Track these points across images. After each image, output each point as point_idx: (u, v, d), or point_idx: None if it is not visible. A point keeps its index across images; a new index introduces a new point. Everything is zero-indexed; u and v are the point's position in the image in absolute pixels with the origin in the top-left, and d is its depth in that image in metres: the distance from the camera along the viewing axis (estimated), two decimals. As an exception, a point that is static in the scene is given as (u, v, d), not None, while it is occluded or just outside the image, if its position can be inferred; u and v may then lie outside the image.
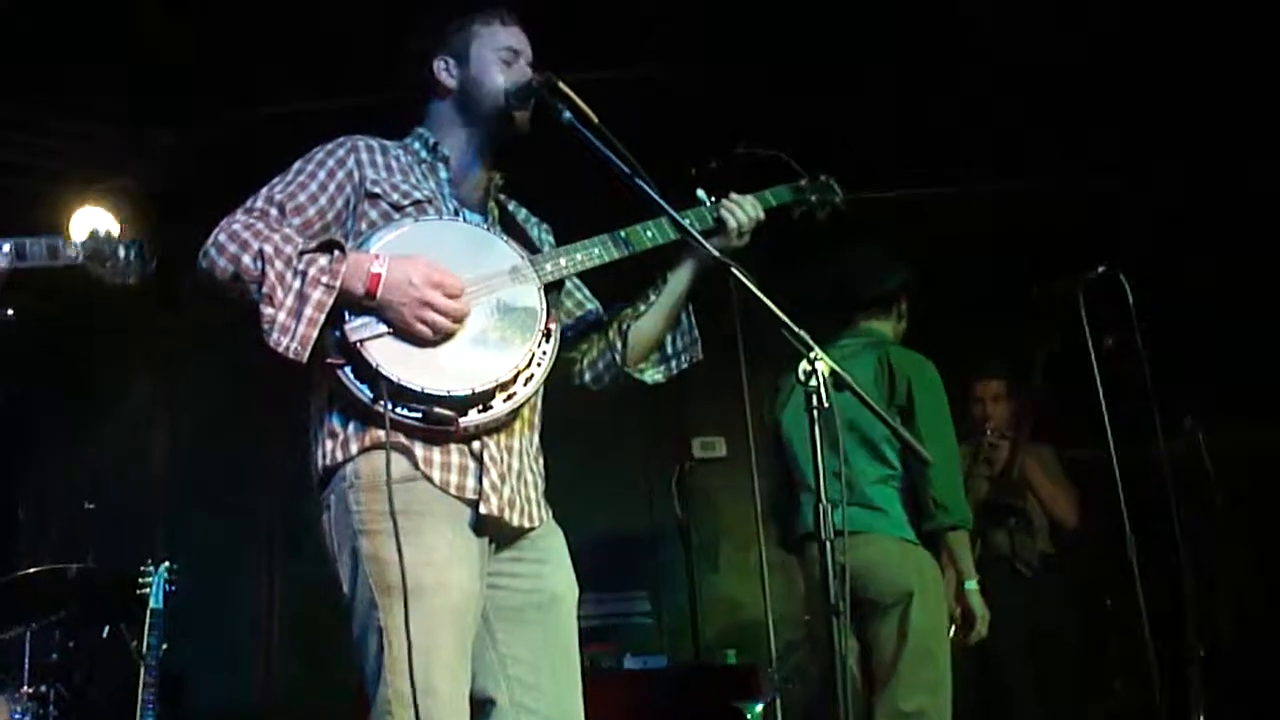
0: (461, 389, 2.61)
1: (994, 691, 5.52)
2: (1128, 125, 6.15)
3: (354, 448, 2.63)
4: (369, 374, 2.58)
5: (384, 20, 5.20)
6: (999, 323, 6.41)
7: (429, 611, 2.51)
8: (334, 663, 2.65)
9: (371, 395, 2.58)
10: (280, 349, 2.52)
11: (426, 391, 2.58)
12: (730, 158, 3.25)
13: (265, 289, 2.54)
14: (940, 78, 5.84)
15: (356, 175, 2.83)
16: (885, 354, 4.69)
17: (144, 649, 5.21)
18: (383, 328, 2.59)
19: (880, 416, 2.75)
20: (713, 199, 3.03)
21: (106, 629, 5.69)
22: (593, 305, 3.15)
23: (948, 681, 4.57)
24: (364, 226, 2.78)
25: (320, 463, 2.69)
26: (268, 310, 2.53)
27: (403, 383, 2.56)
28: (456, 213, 2.89)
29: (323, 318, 2.53)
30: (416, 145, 3.00)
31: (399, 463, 2.59)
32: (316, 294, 2.53)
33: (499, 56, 2.95)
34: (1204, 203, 6.40)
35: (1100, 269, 4.55)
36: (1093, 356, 4.52)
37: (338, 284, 2.55)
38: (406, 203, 2.80)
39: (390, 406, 2.56)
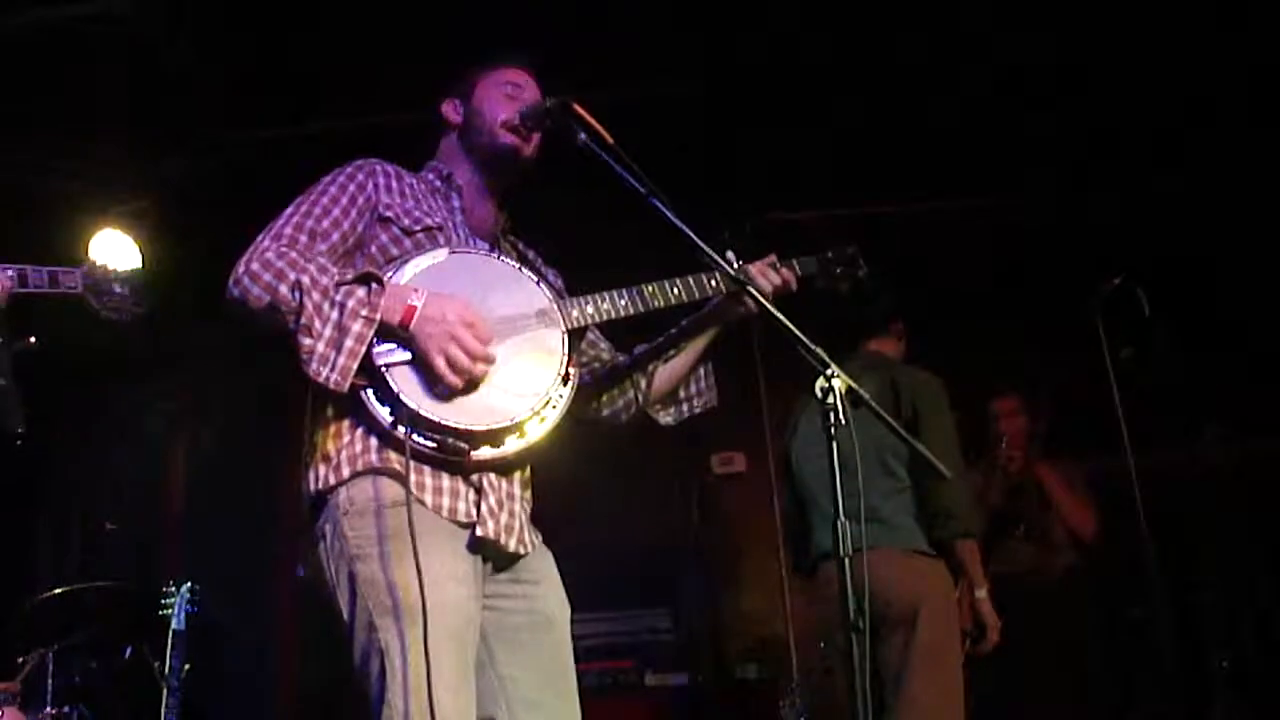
0: (479, 425, 2.64)
1: (1015, 704, 5.50)
2: (1139, 133, 6.14)
3: (346, 472, 2.64)
4: (390, 398, 2.61)
5: (390, 45, 5.27)
6: (1012, 338, 6.42)
7: (427, 632, 2.50)
8: (352, 685, 2.65)
9: (391, 419, 2.61)
10: (320, 379, 2.54)
11: (444, 423, 2.60)
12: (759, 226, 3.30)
13: (304, 320, 2.56)
14: (945, 88, 5.84)
15: (373, 199, 2.86)
16: (889, 374, 4.73)
17: (166, 670, 5.23)
18: (408, 355, 2.62)
19: (898, 432, 2.76)
20: (740, 263, 3.04)
21: (129, 650, 5.72)
22: (606, 348, 3.19)
23: (958, 694, 4.60)
24: (374, 249, 2.81)
25: (313, 487, 2.69)
26: (306, 341, 2.56)
27: (422, 412, 2.59)
28: (467, 241, 2.92)
29: (363, 349, 2.56)
30: (430, 175, 3.05)
31: (391, 487, 2.61)
32: (356, 326, 2.56)
33: (502, 91, 3.04)
34: (1222, 211, 6.39)
35: (1117, 280, 4.56)
36: (1110, 367, 4.53)
37: (377, 316, 2.58)
38: (418, 228, 2.84)
39: (408, 432, 2.59)
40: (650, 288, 2.96)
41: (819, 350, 2.60)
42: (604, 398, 3.15)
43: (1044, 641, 5.51)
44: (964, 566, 4.84)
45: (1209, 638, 5.68)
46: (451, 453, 2.62)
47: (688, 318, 3.13)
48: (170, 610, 5.35)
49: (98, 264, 3.51)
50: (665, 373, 3.14)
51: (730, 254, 3.03)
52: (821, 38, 5.54)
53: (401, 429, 2.59)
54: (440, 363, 2.58)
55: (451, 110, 3.09)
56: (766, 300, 2.98)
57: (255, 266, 2.64)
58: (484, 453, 2.66)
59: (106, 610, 5.78)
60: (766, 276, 3.08)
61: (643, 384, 3.12)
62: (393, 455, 2.62)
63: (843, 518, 2.53)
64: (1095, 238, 6.36)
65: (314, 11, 5.27)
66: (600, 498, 6.46)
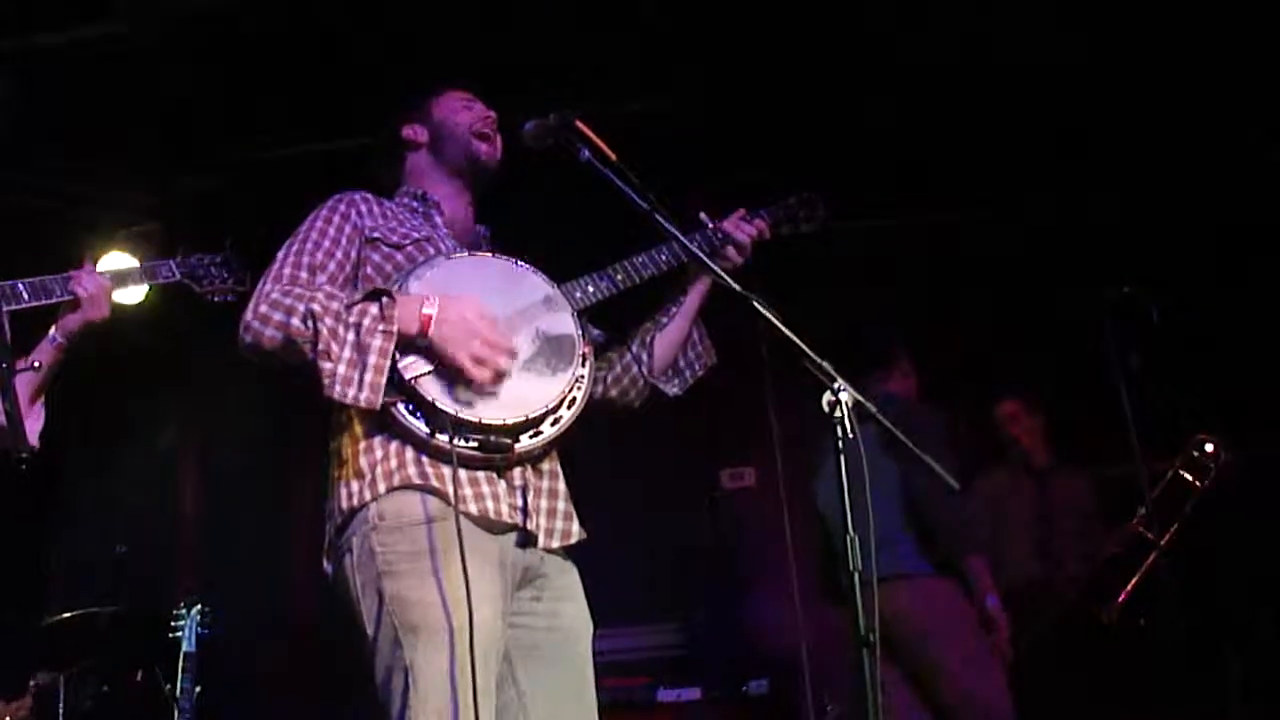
0: (516, 416, 2.69)
1: (1035, 708, 5.49)
2: (1145, 140, 6.13)
3: (381, 487, 2.66)
4: (424, 408, 2.65)
5: (397, 61, 5.28)
6: (1009, 342, 6.42)
7: (453, 651, 2.52)
8: (369, 703, 2.65)
9: (429, 429, 2.65)
10: (347, 400, 2.58)
11: (484, 421, 2.65)
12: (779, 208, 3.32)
13: (320, 345, 2.60)
14: (943, 101, 5.83)
15: (359, 224, 2.93)
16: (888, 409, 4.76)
17: (178, 692, 5.23)
18: (429, 365, 2.66)
19: (906, 445, 2.76)
20: (713, 222, 3.21)
21: (140, 673, 5.71)
22: (599, 333, 3.23)
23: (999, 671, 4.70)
24: (369, 270, 2.87)
25: (345, 503, 2.72)
26: (325, 365, 2.60)
27: (461, 415, 2.63)
28: (456, 249, 2.98)
29: (388, 363, 2.60)
30: (405, 199, 3.13)
31: (431, 502, 2.64)
32: (377, 341, 2.60)
33: (460, 103, 3.18)
34: (1228, 219, 6.38)
35: (1124, 289, 4.57)
36: (1121, 375, 4.53)
37: (395, 329, 2.62)
38: (406, 243, 2.91)
39: (450, 438, 2.62)
40: (639, 258, 3.08)
41: (825, 364, 2.60)
42: (609, 378, 3.17)
43: (1052, 651, 5.51)
44: (974, 578, 4.88)
45: (1225, 644, 5.67)
46: (495, 450, 2.67)
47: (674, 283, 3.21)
48: (181, 632, 5.35)
49: (189, 255, 3.52)
50: (663, 341, 3.18)
51: (703, 215, 3.17)
52: (819, 42, 5.54)
53: (442, 436, 2.63)
54: (467, 362, 2.63)
55: (413, 133, 3.18)
56: (745, 252, 3.19)
57: (264, 309, 2.69)
58: (525, 443, 2.71)
59: (118, 633, 5.79)
60: (742, 230, 3.21)
61: (644, 357, 3.16)
62: (430, 468, 2.66)
63: (852, 533, 2.53)
64: (1098, 241, 6.35)
65: (317, 29, 5.28)
66: (610, 512, 6.43)
